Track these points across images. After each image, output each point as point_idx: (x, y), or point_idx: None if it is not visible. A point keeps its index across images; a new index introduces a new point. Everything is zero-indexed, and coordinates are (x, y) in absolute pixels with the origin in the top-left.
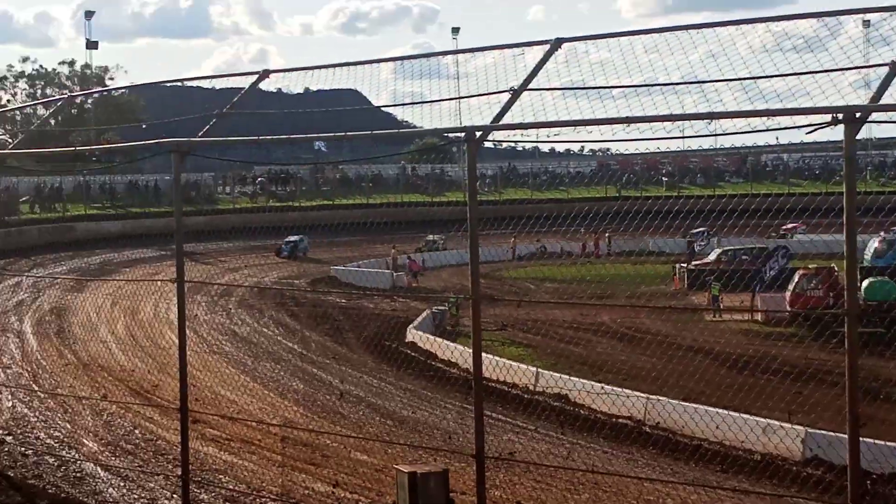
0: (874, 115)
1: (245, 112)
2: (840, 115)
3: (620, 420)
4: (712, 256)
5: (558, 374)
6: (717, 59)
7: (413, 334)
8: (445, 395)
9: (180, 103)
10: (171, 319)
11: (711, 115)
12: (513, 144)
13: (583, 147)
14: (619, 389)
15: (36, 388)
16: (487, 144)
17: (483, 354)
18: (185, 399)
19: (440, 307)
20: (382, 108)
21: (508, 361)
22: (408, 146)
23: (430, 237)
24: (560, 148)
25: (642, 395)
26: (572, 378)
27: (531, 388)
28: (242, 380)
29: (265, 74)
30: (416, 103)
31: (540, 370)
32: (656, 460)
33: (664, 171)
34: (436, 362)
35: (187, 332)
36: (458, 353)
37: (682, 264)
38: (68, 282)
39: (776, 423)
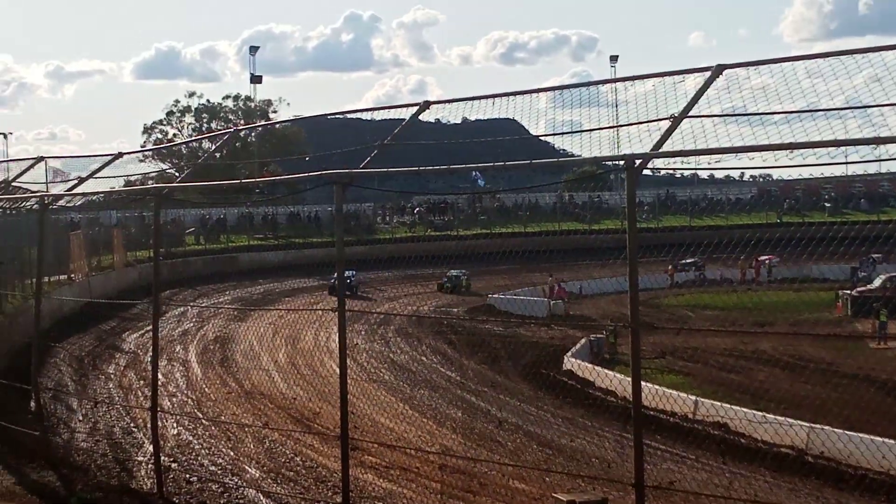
0: None
1: (404, 143)
2: None
3: (782, 449)
4: (877, 282)
5: (718, 403)
6: (881, 82)
7: (570, 362)
8: (603, 424)
9: (341, 135)
10: (332, 348)
11: (877, 141)
12: (671, 171)
13: (742, 173)
14: (781, 418)
15: (200, 416)
16: (645, 172)
17: (642, 382)
18: (345, 427)
19: (597, 335)
20: (540, 138)
21: (667, 389)
22: (566, 174)
23: (453, 272)
24: (719, 174)
25: (805, 423)
26: (732, 406)
27: (690, 416)
28: (401, 408)
29: (426, 106)
30: (574, 132)
31: (699, 398)
32: (820, 491)
33: (826, 197)
34: (593, 390)
35: (347, 360)
36: (616, 381)
37: (846, 291)
38: (231, 311)
39: None
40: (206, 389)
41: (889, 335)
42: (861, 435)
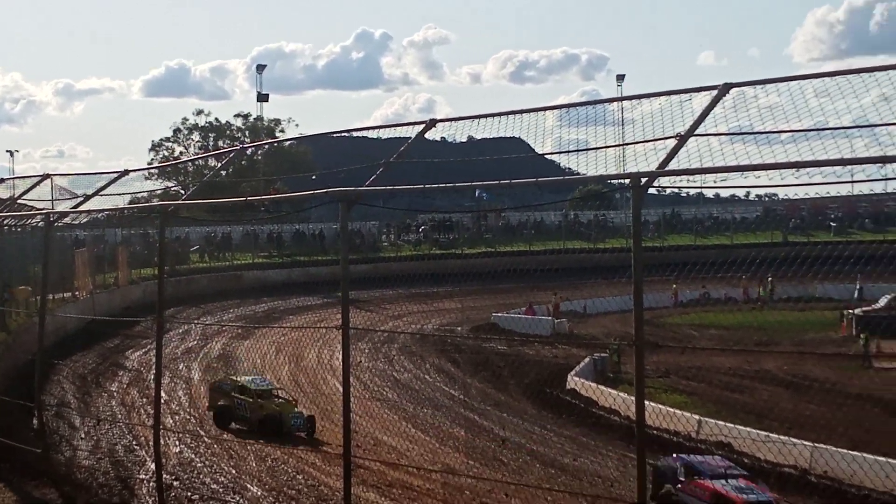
0: None
1: (411, 161)
2: None
3: (785, 469)
4: (882, 302)
5: (721, 422)
6: (890, 102)
7: (574, 381)
8: (606, 443)
9: (348, 153)
10: (335, 366)
11: (884, 159)
12: (676, 190)
13: (748, 192)
14: (785, 437)
15: (203, 434)
16: (651, 190)
17: (645, 401)
18: (348, 446)
19: (601, 354)
20: (546, 156)
21: (670, 409)
22: (570, 193)
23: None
24: (724, 193)
25: (808, 443)
26: (736, 426)
27: (693, 435)
28: (403, 426)
29: (432, 124)
30: (581, 150)
31: (702, 418)
32: None
33: (832, 216)
34: (597, 409)
35: (351, 378)
36: (619, 400)
37: (850, 310)
38: (235, 329)
39: None
40: None
41: (885, 354)
42: (864, 454)
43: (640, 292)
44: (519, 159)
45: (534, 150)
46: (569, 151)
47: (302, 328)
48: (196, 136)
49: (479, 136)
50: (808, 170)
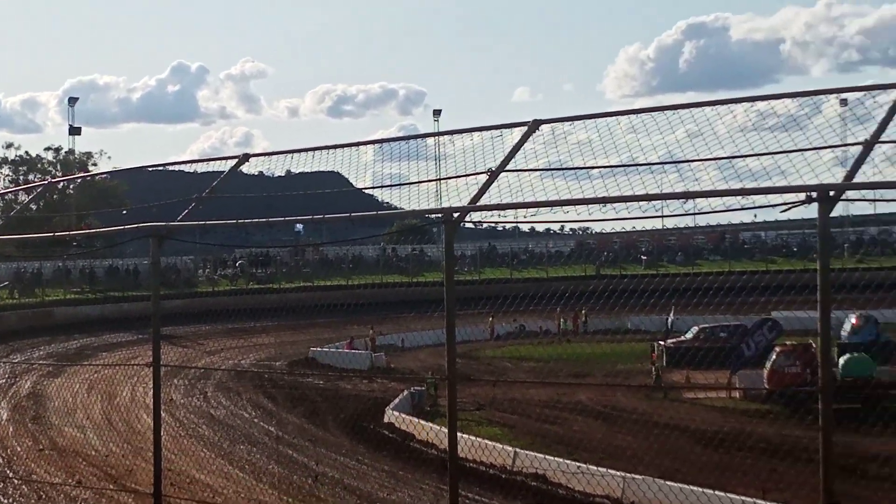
0: (848, 194)
1: (225, 196)
2: (814, 194)
3: (598, 499)
4: (690, 334)
5: (536, 454)
6: (697, 139)
7: (391, 415)
8: (423, 476)
9: (164, 188)
10: (148, 403)
11: (687, 195)
12: (492, 224)
13: (562, 226)
14: (597, 468)
15: (10, 475)
16: (468, 224)
17: (460, 434)
18: (158, 484)
19: (418, 387)
20: (364, 191)
21: (486, 441)
22: (388, 227)
23: None
24: (540, 227)
25: (619, 473)
26: (550, 457)
27: (509, 467)
28: (218, 463)
29: (245, 158)
30: (397, 185)
31: (518, 449)
32: None
33: (643, 250)
34: (414, 443)
35: (164, 415)
36: (435, 433)
37: (660, 342)
38: (46, 367)
39: (751, 500)
40: (18, 447)
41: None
42: (672, 483)
43: (452, 326)
44: (337, 193)
45: (352, 184)
46: (386, 186)
47: (112, 366)
48: (6, 170)
49: (297, 171)
50: (621, 204)
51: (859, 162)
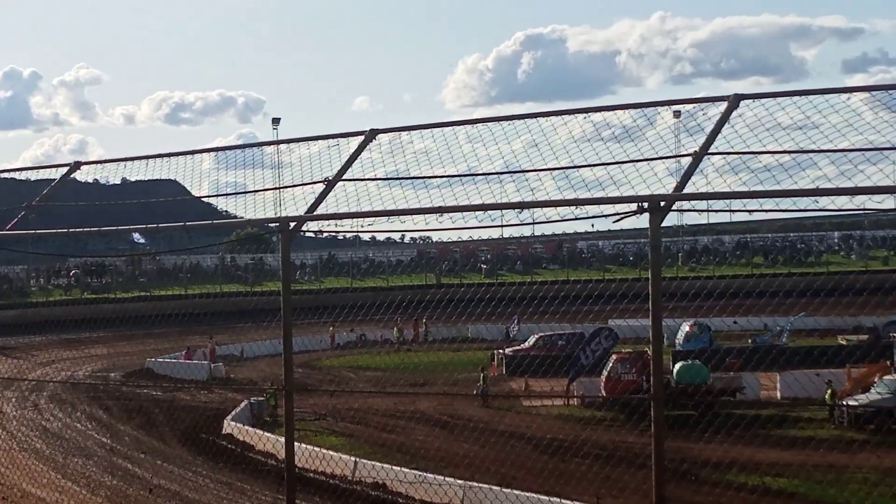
0: (680, 204)
1: (56, 204)
2: (645, 204)
3: None
4: (530, 342)
5: (377, 463)
6: (534, 149)
7: (230, 426)
8: (262, 487)
9: None
10: None
11: (522, 205)
12: (333, 234)
13: (403, 236)
14: (436, 476)
15: None
16: (308, 234)
17: (299, 444)
18: None
19: (258, 398)
20: (202, 199)
21: (325, 451)
22: (227, 236)
23: None
24: (381, 236)
25: (459, 481)
26: (391, 466)
27: (349, 477)
28: (52, 476)
29: (76, 166)
30: (236, 193)
31: (358, 459)
32: None
33: (483, 259)
34: (253, 454)
35: None
36: (275, 443)
37: (499, 350)
38: None
39: None
40: None
41: (536, 394)
42: (510, 490)
43: (289, 336)
44: (175, 202)
45: (190, 192)
46: (224, 195)
47: None
48: None
49: (133, 178)
50: (461, 213)
51: (689, 173)
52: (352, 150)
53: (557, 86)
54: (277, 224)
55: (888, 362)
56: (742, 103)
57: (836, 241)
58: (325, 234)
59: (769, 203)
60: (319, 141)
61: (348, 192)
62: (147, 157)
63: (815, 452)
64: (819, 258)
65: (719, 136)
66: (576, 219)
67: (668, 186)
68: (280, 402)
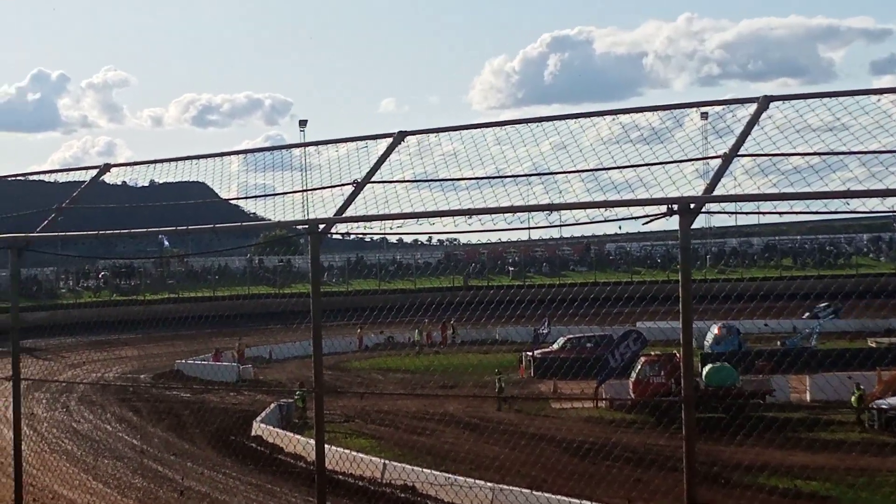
0: (709, 206)
1: (86, 206)
2: (675, 206)
3: None
4: (558, 344)
5: (406, 465)
6: (562, 151)
7: (259, 428)
8: (291, 489)
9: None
10: (9, 417)
11: (551, 207)
12: (360, 236)
13: (430, 238)
14: (466, 479)
15: None
16: (335, 236)
17: (329, 447)
18: (19, 500)
19: (287, 400)
20: (230, 202)
21: (354, 453)
22: (255, 238)
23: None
24: (408, 238)
25: (488, 484)
26: (420, 469)
27: (378, 479)
28: (82, 478)
29: (106, 169)
30: (263, 196)
31: (387, 461)
32: None
33: (510, 261)
34: (282, 456)
35: (25, 429)
36: (304, 445)
37: (528, 352)
38: None
39: None
40: None
41: (565, 396)
42: (540, 493)
43: (318, 338)
44: (203, 204)
45: (217, 194)
46: (252, 197)
47: None
48: None
49: (161, 181)
50: (488, 216)
51: (719, 175)
52: (380, 152)
53: (584, 87)
54: (307, 226)
55: None
56: (771, 105)
57: (865, 242)
58: (352, 236)
59: (800, 205)
60: (348, 143)
61: (377, 193)
62: (175, 160)
63: (847, 456)
64: (848, 260)
65: (748, 137)
66: (605, 221)
67: (698, 188)
68: (309, 405)
